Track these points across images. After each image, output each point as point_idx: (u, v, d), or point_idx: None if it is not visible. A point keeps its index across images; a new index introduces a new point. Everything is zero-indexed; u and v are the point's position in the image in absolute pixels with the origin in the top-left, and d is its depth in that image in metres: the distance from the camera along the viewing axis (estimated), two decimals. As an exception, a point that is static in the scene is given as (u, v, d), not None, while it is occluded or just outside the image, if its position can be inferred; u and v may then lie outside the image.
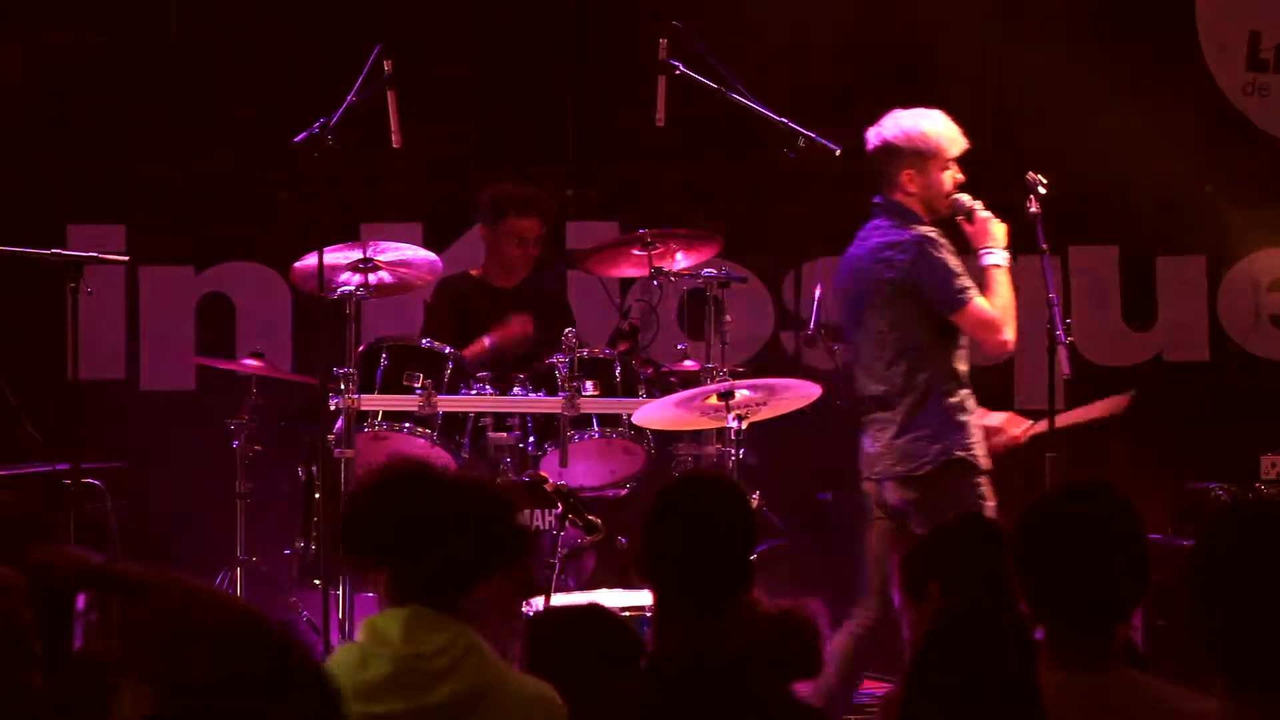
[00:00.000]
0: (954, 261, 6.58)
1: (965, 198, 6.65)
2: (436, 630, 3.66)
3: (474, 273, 8.19)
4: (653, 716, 3.65)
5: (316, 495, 7.53)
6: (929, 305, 6.54)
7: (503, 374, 7.44)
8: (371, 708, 3.60)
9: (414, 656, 3.62)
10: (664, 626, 3.75)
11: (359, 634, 3.74)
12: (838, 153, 7.23)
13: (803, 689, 4.04)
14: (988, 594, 3.68)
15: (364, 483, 3.84)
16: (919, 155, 6.61)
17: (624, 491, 7.57)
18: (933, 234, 6.59)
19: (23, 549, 3.63)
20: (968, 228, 6.68)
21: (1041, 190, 6.66)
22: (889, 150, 6.63)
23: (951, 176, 6.64)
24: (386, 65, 7.22)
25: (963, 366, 6.61)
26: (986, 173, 8.62)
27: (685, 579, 3.76)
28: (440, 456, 7.33)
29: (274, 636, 2.41)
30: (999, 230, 6.63)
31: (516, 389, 7.32)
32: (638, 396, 7.29)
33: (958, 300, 6.51)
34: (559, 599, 6.24)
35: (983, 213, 6.63)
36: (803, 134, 7.16)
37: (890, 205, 6.66)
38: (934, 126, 6.63)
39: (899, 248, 6.57)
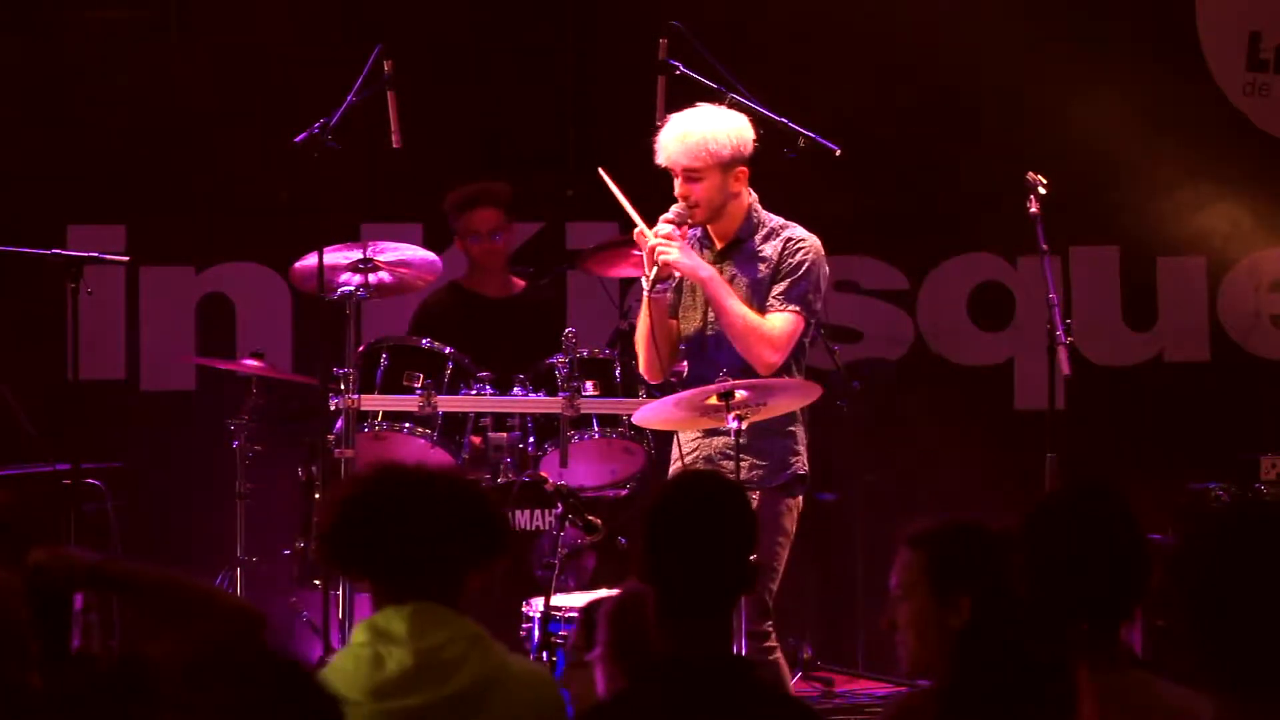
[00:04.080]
0: None
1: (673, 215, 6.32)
2: (441, 623, 3.68)
3: (460, 280, 8.18)
4: (655, 716, 3.65)
5: (316, 495, 7.52)
6: None
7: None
8: (389, 704, 3.62)
9: (430, 649, 3.64)
10: (663, 627, 3.75)
11: (356, 636, 3.73)
12: (837, 153, 7.22)
13: None
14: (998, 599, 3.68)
15: (337, 497, 3.84)
16: None
17: (624, 491, 7.57)
18: None
19: (21, 550, 3.64)
20: None
21: (1041, 190, 6.66)
22: None
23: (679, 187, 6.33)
24: (386, 65, 7.22)
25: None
26: (987, 173, 8.65)
27: (685, 579, 3.75)
28: (440, 456, 7.34)
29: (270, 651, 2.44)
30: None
31: (516, 389, 7.32)
32: (638, 396, 7.29)
33: None
34: (559, 599, 6.23)
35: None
36: (803, 134, 7.15)
37: None
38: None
39: None
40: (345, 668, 3.69)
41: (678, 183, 6.29)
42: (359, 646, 3.70)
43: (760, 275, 6.30)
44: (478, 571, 3.76)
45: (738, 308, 6.20)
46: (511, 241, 8.21)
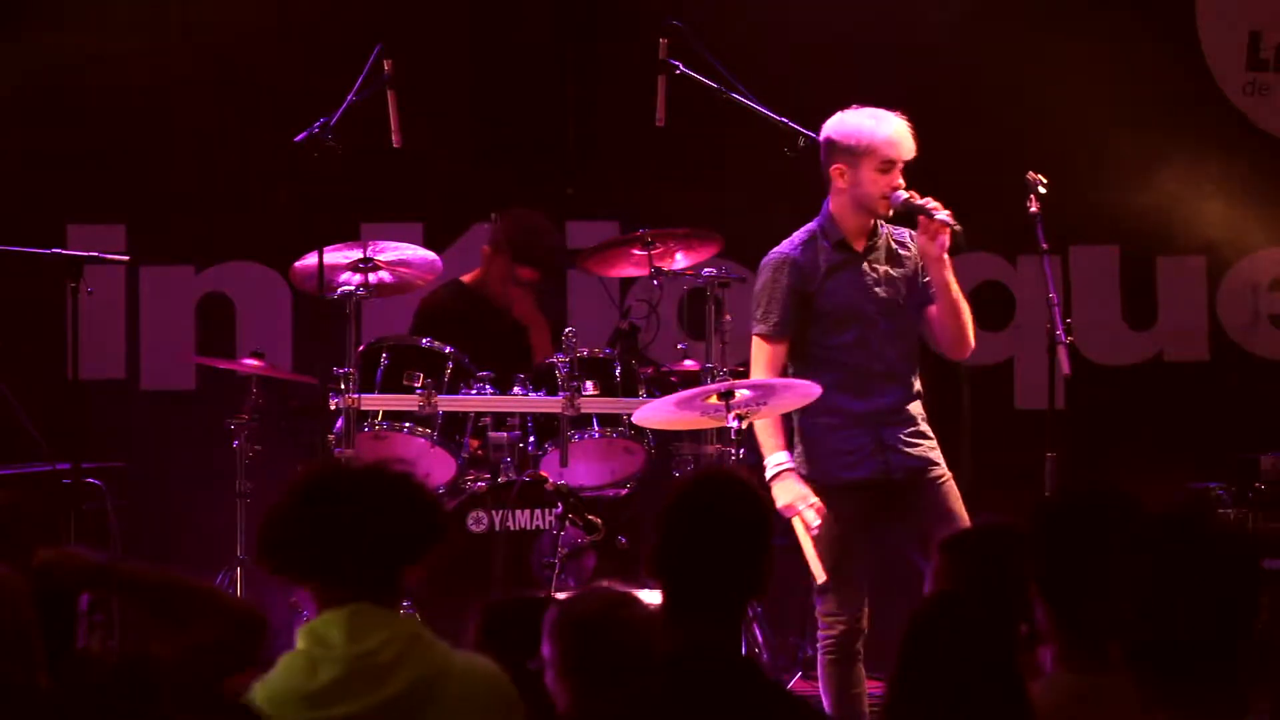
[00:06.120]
0: (771, 290, 6.36)
1: (910, 196, 6.31)
2: (379, 625, 3.64)
3: (466, 280, 8.16)
4: (661, 714, 3.65)
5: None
6: None
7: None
8: (323, 713, 3.58)
9: (363, 655, 3.60)
10: (674, 625, 3.74)
11: (298, 641, 3.68)
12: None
13: None
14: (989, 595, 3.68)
15: (275, 505, 3.78)
16: (850, 151, 6.40)
17: (624, 491, 7.57)
18: (779, 256, 6.39)
19: (24, 549, 3.64)
20: (920, 233, 6.34)
21: (1041, 190, 6.65)
22: (826, 145, 6.46)
23: (888, 179, 6.33)
24: (386, 65, 7.23)
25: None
26: (987, 172, 8.64)
27: (699, 578, 3.75)
28: (440, 456, 7.35)
29: None
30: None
31: (516, 389, 7.32)
32: (638, 396, 7.29)
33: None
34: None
35: (939, 214, 6.27)
36: (803, 134, 7.15)
37: (824, 206, 6.48)
38: (873, 124, 6.38)
39: None
40: (278, 676, 3.63)
41: (897, 176, 6.37)
42: (294, 654, 3.65)
43: (908, 270, 6.41)
44: (415, 565, 3.70)
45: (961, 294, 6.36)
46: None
